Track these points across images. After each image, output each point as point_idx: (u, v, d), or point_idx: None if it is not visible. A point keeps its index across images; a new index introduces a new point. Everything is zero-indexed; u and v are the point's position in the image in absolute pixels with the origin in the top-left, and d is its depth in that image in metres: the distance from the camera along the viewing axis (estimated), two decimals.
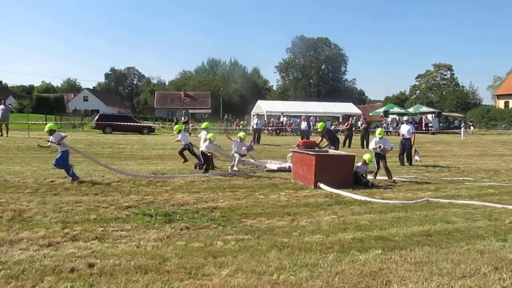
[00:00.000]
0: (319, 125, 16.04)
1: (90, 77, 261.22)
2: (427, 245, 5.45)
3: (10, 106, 24.50)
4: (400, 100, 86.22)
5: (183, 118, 35.80)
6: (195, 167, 12.18)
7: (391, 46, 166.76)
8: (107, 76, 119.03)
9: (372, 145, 11.49)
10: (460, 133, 38.22)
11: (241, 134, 12.70)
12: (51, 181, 9.50)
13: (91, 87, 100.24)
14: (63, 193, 8.28)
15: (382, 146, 11.08)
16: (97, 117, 36.73)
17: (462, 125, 41.40)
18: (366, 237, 5.80)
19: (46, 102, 63.69)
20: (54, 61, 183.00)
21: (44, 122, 35.27)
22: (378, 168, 11.31)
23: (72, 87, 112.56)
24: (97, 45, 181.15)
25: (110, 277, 4.12)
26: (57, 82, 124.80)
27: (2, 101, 26.64)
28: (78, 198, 7.80)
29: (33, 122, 33.38)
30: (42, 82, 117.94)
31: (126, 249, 4.96)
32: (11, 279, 3.99)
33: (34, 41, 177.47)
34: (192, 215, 6.80)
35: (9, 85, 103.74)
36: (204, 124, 12.94)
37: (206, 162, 11.74)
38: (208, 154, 11.72)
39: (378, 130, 11.85)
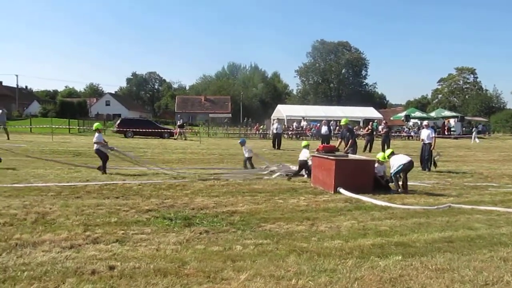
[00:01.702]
0: (343, 120, 15.80)
1: (112, 82, 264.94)
2: (449, 252, 5.37)
3: (5, 111, 25.45)
4: (422, 104, 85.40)
5: (178, 122, 36.21)
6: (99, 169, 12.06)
7: (413, 50, 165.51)
8: (129, 80, 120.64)
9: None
10: (471, 137, 38.01)
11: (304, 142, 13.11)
12: (74, 185, 9.65)
13: (113, 92, 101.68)
14: (85, 196, 8.41)
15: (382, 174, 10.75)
16: (118, 121, 37.21)
17: (474, 129, 41.03)
18: (386, 243, 5.74)
19: (70, 106, 64.85)
20: (77, 66, 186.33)
21: (67, 127, 36.03)
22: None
23: (95, 91, 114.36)
24: (119, 50, 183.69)
25: (130, 279, 4.17)
26: (80, 87, 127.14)
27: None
28: (100, 201, 7.91)
29: (57, 126, 34.01)
30: (66, 87, 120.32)
31: (146, 252, 5.01)
32: (34, 280, 4.07)
33: (59, 46, 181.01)
34: (211, 219, 6.83)
35: (33, 90, 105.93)
36: (95, 125, 12.79)
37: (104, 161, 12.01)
38: (104, 151, 12.12)
39: (380, 155, 10.79)
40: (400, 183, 10.17)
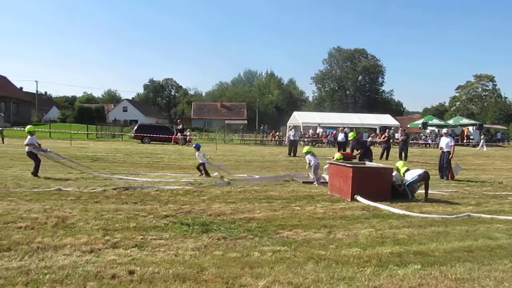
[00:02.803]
0: (350, 134, 15.96)
1: (130, 88, 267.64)
2: (469, 262, 5.31)
3: (2, 115, 26.06)
4: (439, 112, 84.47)
5: (179, 126, 36.10)
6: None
7: (430, 57, 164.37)
8: (146, 87, 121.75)
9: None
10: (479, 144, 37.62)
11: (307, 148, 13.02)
12: (92, 189, 9.78)
13: (131, 98, 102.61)
14: (103, 201, 8.51)
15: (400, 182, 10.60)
16: (136, 127, 37.57)
17: (482, 136, 40.50)
18: (404, 251, 5.70)
19: (88, 112, 65.58)
20: (95, 72, 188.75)
21: (86, 132, 36.48)
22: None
23: (112, 97, 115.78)
24: (137, 57, 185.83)
25: (150, 284, 4.21)
26: (98, 93, 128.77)
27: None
28: (118, 206, 8.00)
29: (75, 132, 34.43)
30: (84, 92, 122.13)
31: (165, 258, 5.05)
32: (56, 283, 4.14)
33: (77, 52, 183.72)
34: (228, 225, 6.86)
35: (52, 96, 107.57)
36: (27, 128, 12.72)
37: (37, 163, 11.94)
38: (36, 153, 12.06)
39: (400, 164, 10.69)
40: (422, 191, 10.12)
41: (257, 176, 13.22)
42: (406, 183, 10.05)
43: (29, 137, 12.26)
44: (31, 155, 12.01)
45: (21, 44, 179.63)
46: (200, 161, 13.36)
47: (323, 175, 12.73)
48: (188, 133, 35.88)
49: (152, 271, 4.56)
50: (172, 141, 34.31)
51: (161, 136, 34.39)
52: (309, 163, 12.33)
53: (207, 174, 13.18)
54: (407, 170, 10.34)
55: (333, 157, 13.01)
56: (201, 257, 5.14)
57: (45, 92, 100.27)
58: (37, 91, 77.68)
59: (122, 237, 5.90)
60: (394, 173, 10.31)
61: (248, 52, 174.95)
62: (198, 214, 7.58)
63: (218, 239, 5.97)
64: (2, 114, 26.46)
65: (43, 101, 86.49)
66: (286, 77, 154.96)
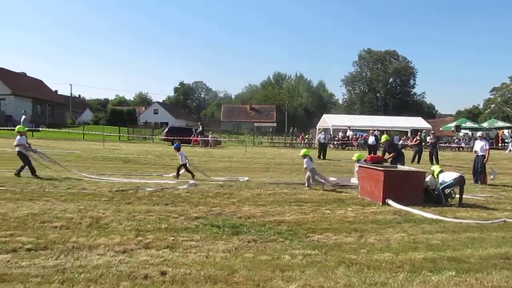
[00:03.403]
0: (383, 137, 15.77)
1: (160, 91, 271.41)
2: (505, 269, 5.16)
3: (28, 116, 26.66)
4: (473, 115, 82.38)
5: (199, 128, 35.97)
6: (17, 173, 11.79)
7: (464, 59, 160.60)
8: (176, 90, 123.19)
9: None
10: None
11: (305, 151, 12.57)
12: (124, 190, 9.94)
13: (161, 101, 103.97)
14: (135, 202, 8.65)
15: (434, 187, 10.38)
16: (166, 130, 38.05)
17: (510, 139, 39.04)
18: (438, 257, 5.58)
19: (119, 114, 66.67)
20: (127, 75, 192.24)
21: (118, 134, 37.15)
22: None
23: (144, 100, 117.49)
24: (168, 60, 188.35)
25: (182, 285, 4.26)
26: (129, 96, 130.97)
27: (23, 111, 28.55)
28: (150, 208, 8.11)
29: (108, 134, 35.11)
30: (116, 95, 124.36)
31: (196, 259, 5.10)
32: (91, 282, 4.23)
33: (110, 56, 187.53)
34: (259, 228, 6.86)
35: (86, 99, 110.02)
36: (17, 128, 12.62)
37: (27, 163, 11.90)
38: (26, 154, 12.03)
39: (436, 169, 10.32)
40: (457, 196, 9.90)
41: (246, 178, 13.07)
42: (440, 187, 9.85)
43: (18, 137, 12.30)
44: (21, 155, 12.01)
45: (57, 48, 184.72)
46: (181, 162, 13.10)
47: (353, 179, 12.60)
48: (210, 136, 35.84)
49: (183, 272, 4.60)
50: (192, 143, 34.55)
51: (191, 138, 34.70)
52: (305, 167, 11.84)
53: (177, 176, 12.93)
54: (442, 171, 10.13)
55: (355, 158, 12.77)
56: (232, 259, 5.16)
57: (79, 95, 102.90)
58: (71, 94, 79.64)
59: (154, 238, 5.97)
60: (428, 178, 10.11)
61: (277, 54, 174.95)
62: (228, 216, 7.61)
63: (249, 242, 5.98)
64: (25, 116, 27.04)
65: (77, 104, 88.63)
66: (315, 79, 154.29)
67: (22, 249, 5.19)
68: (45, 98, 57.45)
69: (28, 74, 60.75)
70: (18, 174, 11.60)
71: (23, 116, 26.84)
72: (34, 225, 6.41)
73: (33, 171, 11.76)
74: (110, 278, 4.36)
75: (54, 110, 60.14)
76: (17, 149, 12.14)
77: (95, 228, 6.39)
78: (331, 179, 12.77)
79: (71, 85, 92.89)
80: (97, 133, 35.44)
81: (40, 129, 35.87)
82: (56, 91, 73.86)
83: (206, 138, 34.64)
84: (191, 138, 35.12)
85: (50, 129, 36.28)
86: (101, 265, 4.72)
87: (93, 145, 28.81)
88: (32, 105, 52.48)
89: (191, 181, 11.83)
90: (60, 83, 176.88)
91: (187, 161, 13.29)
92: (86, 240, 5.68)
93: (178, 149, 13.51)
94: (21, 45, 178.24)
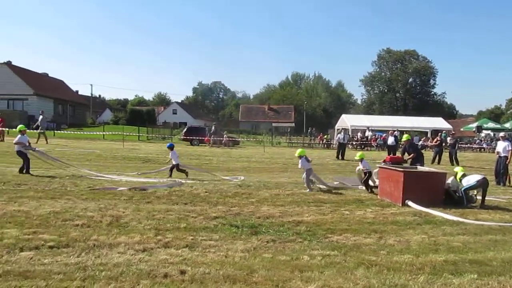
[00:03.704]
0: (404, 136, 15.61)
1: (179, 91, 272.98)
2: None
3: (46, 116, 26.94)
4: (495, 115, 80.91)
5: (212, 128, 35.92)
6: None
7: (485, 59, 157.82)
8: (195, 90, 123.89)
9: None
10: None
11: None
12: (144, 189, 10.02)
13: (180, 101, 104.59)
14: (155, 201, 8.71)
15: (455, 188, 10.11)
16: (185, 129, 38.29)
17: None
18: (459, 260, 5.51)
19: (139, 114, 67.20)
20: (146, 75, 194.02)
21: (137, 134, 37.51)
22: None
23: (162, 100, 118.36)
24: (186, 60, 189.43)
25: (201, 284, 4.28)
26: (148, 96, 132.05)
27: (41, 111, 28.89)
28: (169, 207, 8.17)
29: (127, 134, 35.46)
30: (136, 95, 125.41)
31: (215, 259, 5.12)
32: (111, 280, 4.28)
33: (129, 56, 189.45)
34: (277, 228, 6.85)
35: (106, 99, 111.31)
36: (19, 127, 12.63)
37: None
38: (25, 152, 12.08)
39: (459, 172, 10.11)
40: (478, 198, 9.76)
41: (242, 177, 12.96)
42: (463, 189, 9.71)
43: (19, 136, 12.43)
44: (21, 154, 12.12)
45: (77, 49, 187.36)
46: (174, 162, 13.00)
47: (373, 178, 12.46)
48: (225, 136, 35.83)
49: (202, 271, 4.63)
50: (206, 143, 34.65)
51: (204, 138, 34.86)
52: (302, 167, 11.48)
53: (170, 175, 12.82)
54: (465, 175, 9.98)
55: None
56: (251, 259, 5.17)
57: (99, 95, 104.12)
58: (91, 94, 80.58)
59: (173, 237, 6.02)
60: (450, 179, 9.98)
61: (295, 54, 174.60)
62: (247, 216, 7.62)
63: (267, 242, 5.98)
64: (42, 116, 27.34)
65: (97, 104, 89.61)
66: (334, 79, 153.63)
67: (44, 246, 5.28)
68: (67, 98, 58.29)
69: (50, 75, 61.74)
70: (27, 171, 11.83)
71: (41, 116, 27.20)
72: (56, 223, 6.52)
73: (28, 169, 11.91)
74: (130, 276, 4.41)
75: (75, 110, 60.98)
76: (16, 147, 12.28)
77: (115, 227, 6.46)
78: (335, 182, 12.64)
79: (91, 85, 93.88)
80: (116, 133, 35.83)
81: (62, 129, 36.42)
82: (77, 91, 74.88)
83: (220, 138, 34.68)
84: (205, 138, 35.29)
85: (66, 132, 36.75)
86: (121, 263, 4.78)
87: (113, 144, 29.11)
88: (53, 105, 53.30)
89: (178, 180, 11.78)
90: (81, 83, 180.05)
91: (179, 161, 13.26)
92: (107, 239, 5.75)
93: (171, 148, 13.42)
94: (43, 46, 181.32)
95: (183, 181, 11.69)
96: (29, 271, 4.43)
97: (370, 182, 11.60)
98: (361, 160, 11.69)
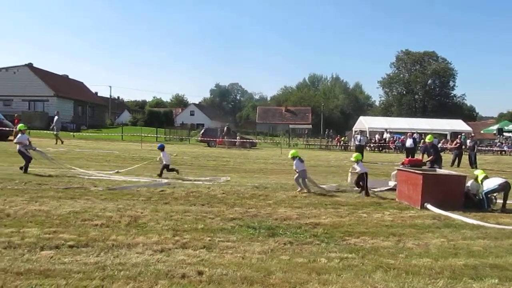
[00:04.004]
0: (428, 137, 15.45)
1: (197, 92, 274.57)
2: None
3: (61, 117, 27.20)
4: None
5: (224, 129, 35.88)
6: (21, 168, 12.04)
7: (505, 61, 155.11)
8: (212, 91, 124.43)
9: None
10: None
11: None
12: (162, 191, 10.08)
13: (197, 102, 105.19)
14: (172, 202, 8.77)
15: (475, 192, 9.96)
16: (202, 131, 38.49)
17: None
18: (480, 264, 5.42)
19: (157, 116, 67.81)
20: (164, 77, 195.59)
21: (155, 135, 37.80)
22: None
23: (180, 102, 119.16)
24: (204, 62, 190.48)
25: (218, 285, 4.29)
26: (166, 98, 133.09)
27: (56, 112, 29.13)
28: (187, 208, 8.21)
29: (145, 135, 35.77)
30: (154, 97, 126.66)
31: (232, 260, 5.12)
32: (130, 280, 4.32)
33: (148, 59, 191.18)
34: (295, 230, 6.84)
35: (124, 100, 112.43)
36: (19, 126, 12.69)
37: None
38: (25, 152, 12.15)
39: (480, 175, 10.02)
40: (499, 201, 9.60)
41: (228, 178, 13.01)
42: (484, 192, 9.56)
43: (19, 135, 12.55)
44: (21, 153, 12.25)
45: (97, 51, 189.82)
46: (164, 163, 12.95)
47: (391, 182, 12.34)
48: (238, 137, 35.75)
49: (220, 272, 4.64)
50: (217, 144, 34.72)
51: (216, 139, 34.96)
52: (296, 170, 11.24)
53: (161, 175, 12.70)
54: (486, 177, 9.83)
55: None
56: (268, 261, 5.17)
57: (118, 97, 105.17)
58: (110, 95, 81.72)
59: (191, 238, 6.04)
60: (470, 182, 9.84)
61: (313, 56, 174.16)
62: (264, 218, 7.62)
63: (285, 244, 5.97)
64: (57, 116, 27.60)
65: (116, 105, 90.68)
66: (352, 81, 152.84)
67: (64, 245, 5.35)
68: (86, 100, 59.09)
69: (70, 76, 62.64)
70: (25, 171, 11.99)
71: (56, 117, 27.56)
72: (75, 223, 6.60)
73: (26, 168, 12.04)
74: (148, 276, 4.44)
75: (94, 111, 61.76)
76: (17, 147, 12.41)
77: (133, 227, 6.52)
78: (332, 185, 12.41)
79: (110, 87, 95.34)
80: (135, 134, 36.16)
81: (81, 130, 36.90)
82: (96, 93, 75.85)
83: (233, 140, 34.70)
84: (216, 139, 35.42)
85: (84, 133, 37.18)
86: (139, 263, 4.82)
87: (131, 145, 29.41)
88: (73, 106, 54.11)
89: (164, 180, 11.76)
90: (100, 85, 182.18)
91: (170, 161, 13.26)
92: (125, 239, 5.81)
93: (162, 149, 13.40)
94: (64, 47, 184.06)
95: (166, 181, 11.72)
96: (49, 269, 4.49)
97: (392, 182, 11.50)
98: (357, 161, 11.44)
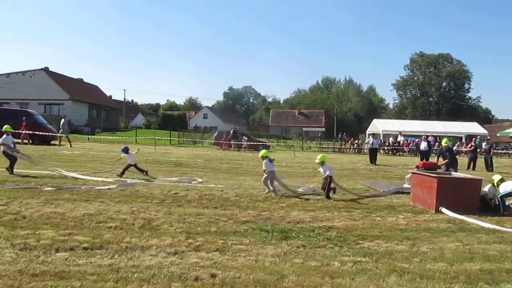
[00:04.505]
0: (444, 140, 15.32)
1: (210, 96, 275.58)
2: None
3: (68, 119, 27.30)
4: None
5: (231, 132, 35.76)
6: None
7: None
8: (225, 95, 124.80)
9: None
10: None
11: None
12: (175, 193, 10.12)
13: (211, 105, 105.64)
14: (186, 205, 8.79)
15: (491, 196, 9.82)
16: (215, 134, 38.65)
17: None
18: (496, 269, 5.34)
19: (170, 119, 68.23)
20: (178, 81, 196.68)
21: (168, 138, 37.99)
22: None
23: (193, 105, 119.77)
24: (217, 65, 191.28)
25: None
26: (180, 101, 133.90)
27: (63, 115, 29.20)
28: (200, 211, 8.23)
29: (159, 138, 35.97)
30: (167, 100, 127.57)
31: (245, 263, 5.12)
32: (144, 282, 4.34)
33: (162, 62, 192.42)
34: (308, 233, 6.81)
35: (138, 103, 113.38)
36: (4, 128, 12.57)
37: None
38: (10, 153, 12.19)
39: (496, 178, 9.90)
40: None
41: (200, 180, 12.91)
42: (499, 195, 9.44)
43: (4, 136, 12.56)
44: (5, 154, 12.31)
45: (111, 55, 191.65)
46: (130, 163, 12.93)
47: (405, 185, 12.24)
48: (244, 140, 35.64)
49: (233, 275, 4.64)
50: (222, 147, 34.90)
51: (221, 142, 35.08)
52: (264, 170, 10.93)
53: (122, 174, 12.75)
54: (503, 180, 9.69)
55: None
56: (281, 264, 5.15)
57: (132, 100, 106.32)
58: (124, 99, 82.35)
59: (204, 240, 6.05)
60: (487, 187, 9.71)
61: (326, 59, 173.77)
62: (277, 221, 7.60)
63: (298, 247, 5.95)
64: (63, 120, 27.75)
65: (130, 109, 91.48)
66: (365, 84, 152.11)
67: (79, 247, 5.39)
68: (100, 103, 59.70)
69: (84, 80, 63.33)
70: (9, 170, 12.10)
71: (62, 120, 27.73)
72: (90, 225, 6.66)
73: (11, 169, 12.14)
74: (162, 278, 4.46)
75: (108, 115, 62.39)
76: (2, 148, 12.48)
77: (147, 230, 6.55)
78: (310, 186, 11.98)
79: (124, 90, 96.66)
80: (148, 137, 36.38)
81: (96, 133, 37.22)
82: (110, 96, 76.55)
83: (239, 142, 34.63)
84: (221, 142, 35.63)
85: (99, 136, 37.49)
86: (153, 266, 4.84)
87: (144, 148, 29.53)
88: (88, 109, 54.71)
89: (129, 181, 11.76)
90: (115, 88, 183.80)
91: (135, 162, 13.20)
92: (139, 241, 5.84)
93: (126, 151, 13.37)
94: (79, 51, 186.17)
95: (133, 181, 11.76)
96: (64, 271, 4.53)
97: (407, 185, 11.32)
98: (322, 163, 10.86)
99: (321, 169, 10.87)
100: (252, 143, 35.27)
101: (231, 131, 35.96)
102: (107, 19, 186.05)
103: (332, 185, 10.68)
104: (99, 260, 4.94)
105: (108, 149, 26.31)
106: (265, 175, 10.88)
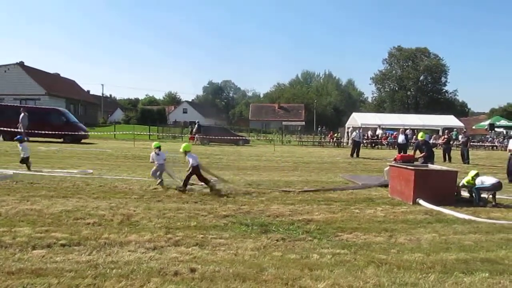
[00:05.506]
0: (420, 134, 15.59)
1: (190, 90, 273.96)
2: None
3: (27, 114, 26.79)
4: (508, 112, 79.91)
5: (195, 125, 36.28)
6: None
7: (498, 56, 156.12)
8: (205, 89, 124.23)
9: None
10: None
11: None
12: (154, 189, 10.07)
13: (190, 100, 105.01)
14: (165, 200, 8.75)
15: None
16: (195, 128, 38.47)
17: None
18: (471, 258, 5.46)
19: (150, 114, 67.66)
20: (157, 75, 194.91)
21: (148, 133, 37.68)
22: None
23: (173, 99, 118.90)
24: (197, 59, 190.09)
25: (211, 282, 4.29)
26: (159, 95, 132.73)
27: (21, 109, 28.56)
28: (179, 206, 8.20)
29: (138, 133, 35.66)
30: (146, 95, 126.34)
31: (225, 257, 5.13)
32: (122, 278, 4.31)
33: (140, 56, 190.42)
34: (287, 226, 6.85)
35: (117, 98, 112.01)
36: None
37: None
38: None
39: (472, 171, 10.24)
40: (490, 196, 9.68)
41: (90, 171, 12.84)
42: (475, 187, 9.63)
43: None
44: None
45: (89, 49, 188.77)
46: (23, 156, 12.54)
47: (383, 178, 12.39)
48: (201, 134, 35.51)
49: (212, 269, 4.64)
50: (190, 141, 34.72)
51: (220, 137, 34.96)
52: (154, 162, 10.76)
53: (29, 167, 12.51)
54: (478, 175, 9.87)
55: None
56: (261, 257, 5.18)
57: (110, 95, 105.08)
58: (102, 94, 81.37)
59: (184, 235, 6.04)
60: (464, 180, 9.92)
61: (306, 52, 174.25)
62: (257, 215, 7.63)
63: (277, 240, 5.98)
64: (23, 114, 26.84)
65: (108, 104, 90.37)
66: (344, 78, 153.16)
67: (56, 244, 5.33)
68: (78, 98, 58.88)
69: (61, 75, 62.30)
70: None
71: (22, 114, 26.89)
72: (68, 222, 6.58)
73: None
74: (141, 274, 4.44)
75: (86, 110, 61.54)
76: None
77: (126, 225, 6.50)
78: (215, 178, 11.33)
79: (102, 85, 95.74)
80: (127, 132, 36.03)
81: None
82: (88, 91, 75.48)
83: (202, 136, 34.49)
84: (189, 135, 35.73)
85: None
86: (132, 261, 4.81)
87: (124, 144, 29.32)
88: (65, 104, 53.72)
89: (9, 173, 11.54)
90: (92, 83, 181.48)
91: (28, 154, 12.83)
92: (118, 237, 5.79)
93: (20, 141, 12.97)
94: (55, 45, 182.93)
95: (11, 173, 11.55)
96: (41, 268, 4.48)
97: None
98: (186, 152, 10.35)
99: (189, 159, 10.23)
100: (202, 136, 34.94)
101: (196, 125, 36.20)
102: (83, 11, 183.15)
103: (211, 178, 10.63)
104: (77, 257, 4.89)
105: (86, 145, 25.97)
106: (155, 167, 10.76)
